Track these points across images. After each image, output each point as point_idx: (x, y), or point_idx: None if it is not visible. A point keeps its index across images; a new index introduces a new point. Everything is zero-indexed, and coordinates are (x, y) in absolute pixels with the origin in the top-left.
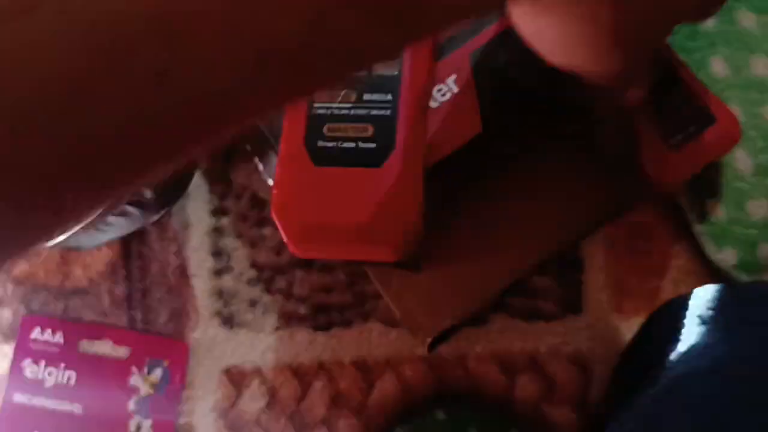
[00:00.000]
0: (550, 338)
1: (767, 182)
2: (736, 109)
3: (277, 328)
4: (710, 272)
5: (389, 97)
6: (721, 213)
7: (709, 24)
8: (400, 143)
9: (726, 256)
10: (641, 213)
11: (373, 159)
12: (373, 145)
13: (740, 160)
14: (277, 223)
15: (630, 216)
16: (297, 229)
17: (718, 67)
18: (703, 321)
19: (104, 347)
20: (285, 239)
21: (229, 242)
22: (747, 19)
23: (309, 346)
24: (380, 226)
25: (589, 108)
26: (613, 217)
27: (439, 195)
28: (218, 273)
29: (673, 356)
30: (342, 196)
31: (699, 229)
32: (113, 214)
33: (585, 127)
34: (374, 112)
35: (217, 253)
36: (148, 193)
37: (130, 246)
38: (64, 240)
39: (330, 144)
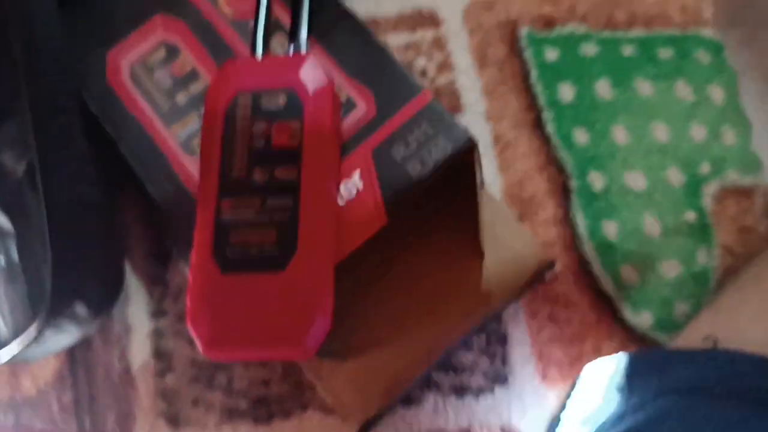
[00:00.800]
0: (481, 412)
1: (677, 243)
2: (640, 175)
3: (220, 424)
4: (629, 334)
5: (290, 202)
6: (635, 277)
7: (608, 95)
8: (302, 245)
9: (643, 319)
10: (559, 283)
11: (277, 263)
12: (276, 250)
13: (649, 223)
14: (191, 332)
15: (548, 286)
16: (209, 336)
17: (620, 135)
18: (619, 389)
19: None
20: (199, 346)
21: (170, 343)
22: (645, 87)
23: None
24: (286, 328)
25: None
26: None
27: (352, 287)
28: (161, 374)
29: (593, 425)
30: (250, 301)
31: (615, 294)
32: (50, 330)
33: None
34: (276, 217)
35: (158, 354)
36: (80, 308)
37: (74, 353)
38: (11, 358)
39: (237, 251)
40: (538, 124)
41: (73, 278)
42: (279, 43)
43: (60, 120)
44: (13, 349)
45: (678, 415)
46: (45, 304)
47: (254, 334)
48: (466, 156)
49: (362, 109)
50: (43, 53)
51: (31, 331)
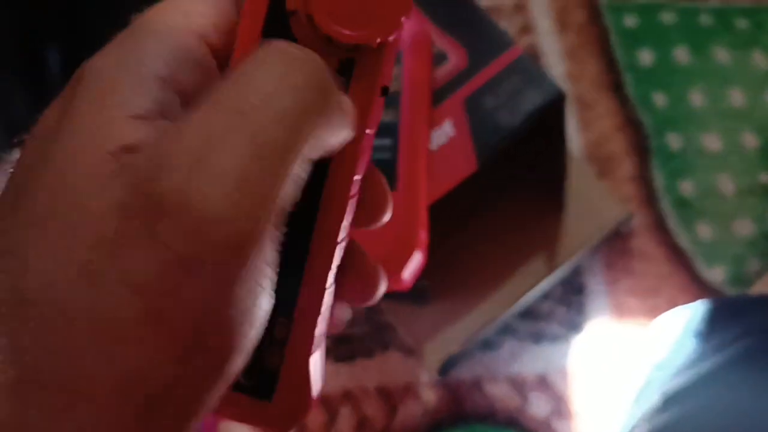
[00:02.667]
0: (557, 358)
1: (749, 202)
2: (715, 137)
3: None
4: (703, 288)
5: (389, 142)
6: (709, 234)
7: (686, 60)
8: (401, 183)
9: (716, 274)
10: (635, 237)
11: None
12: None
13: (723, 183)
14: None
15: (625, 240)
16: None
17: (697, 99)
18: (697, 334)
19: None
20: None
21: None
22: (722, 55)
23: (334, 376)
24: (387, 260)
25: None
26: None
27: (440, 231)
28: None
29: (669, 369)
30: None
31: (690, 249)
32: None
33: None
34: (376, 156)
35: None
36: None
37: None
38: None
39: None
40: (616, 87)
41: None
42: None
43: None
44: None
45: (760, 355)
46: None
47: None
48: (555, 110)
49: (454, 61)
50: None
51: None
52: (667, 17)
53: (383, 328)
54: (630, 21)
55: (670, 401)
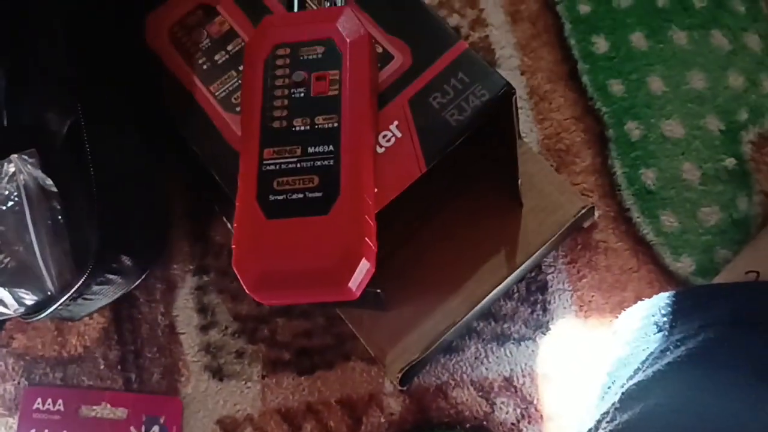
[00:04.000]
0: (523, 359)
1: (716, 189)
2: (677, 123)
3: (264, 376)
4: (670, 280)
5: (331, 147)
6: (675, 224)
7: (643, 46)
8: (344, 190)
9: (684, 264)
10: (598, 231)
11: (320, 208)
12: (319, 195)
13: (687, 170)
14: (237, 275)
15: (587, 234)
16: (255, 278)
17: (656, 85)
18: (660, 327)
19: (103, 410)
20: (246, 290)
21: (213, 298)
22: (680, 37)
23: (295, 389)
24: (331, 269)
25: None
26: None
27: (393, 236)
28: (204, 328)
29: (632, 366)
30: (295, 245)
31: (655, 240)
32: (96, 284)
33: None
34: (318, 163)
35: (201, 309)
36: (126, 260)
37: (120, 311)
38: (57, 312)
39: (280, 197)
40: (573, 77)
41: (120, 232)
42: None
43: (102, 82)
44: (63, 299)
45: (722, 346)
46: (92, 257)
47: (300, 276)
48: (503, 105)
49: (398, 60)
50: (86, 21)
51: (80, 283)
52: (622, 1)
53: (344, 339)
54: (584, 8)
55: (628, 399)
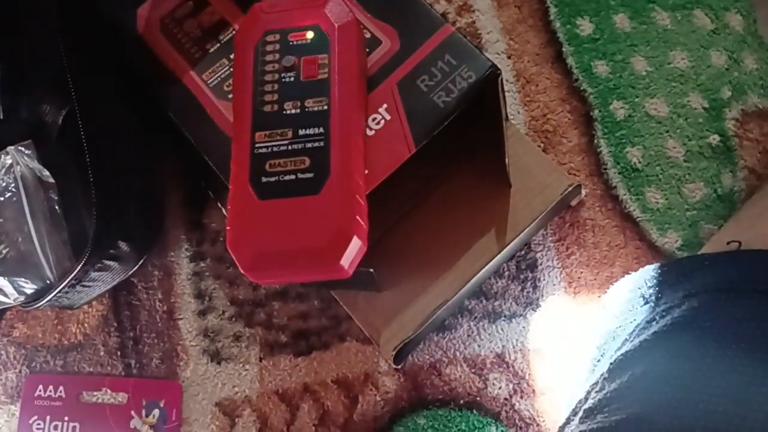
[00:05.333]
0: (514, 336)
1: (701, 166)
2: (661, 102)
3: (261, 359)
4: (657, 256)
5: (321, 130)
6: (661, 200)
7: (627, 27)
8: (335, 170)
9: (670, 240)
10: (585, 209)
11: (312, 188)
12: (311, 175)
13: (672, 148)
14: (232, 256)
15: (575, 212)
16: (251, 260)
17: (640, 65)
18: (646, 299)
19: (104, 396)
20: (241, 270)
21: (209, 283)
22: (662, 18)
23: (292, 371)
24: (324, 248)
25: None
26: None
27: (384, 216)
28: (202, 313)
29: (620, 338)
30: (288, 225)
31: (642, 217)
32: (94, 270)
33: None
34: (309, 144)
35: (199, 295)
36: (123, 245)
37: (118, 298)
38: (56, 300)
39: (272, 179)
40: (558, 59)
41: (117, 218)
42: None
43: (96, 74)
44: (62, 285)
45: (705, 314)
46: (89, 243)
47: (293, 255)
48: (490, 86)
49: (386, 45)
50: (77, 15)
51: (78, 269)
52: None
53: (339, 320)
54: None
55: (616, 369)
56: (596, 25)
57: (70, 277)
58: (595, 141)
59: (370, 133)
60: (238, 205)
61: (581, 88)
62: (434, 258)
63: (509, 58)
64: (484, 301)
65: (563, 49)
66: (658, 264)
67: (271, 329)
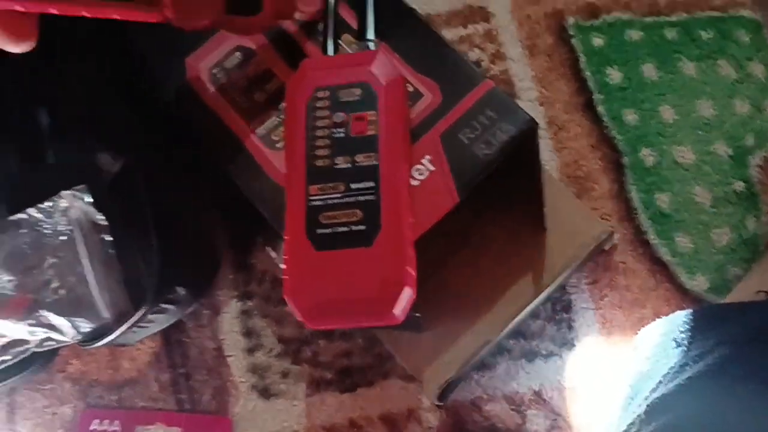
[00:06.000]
0: (551, 374)
1: (726, 211)
2: (688, 149)
3: (309, 395)
4: (686, 298)
5: (372, 183)
6: (689, 244)
7: (654, 76)
8: (386, 223)
9: (698, 282)
10: (617, 253)
11: (364, 239)
12: (363, 227)
13: (699, 194)
14: (289, 304)
15: (607, 256)
16: (307, 307)
17: (667, 113)
18: (678, 343)
19: (157, 430)
20: (298, 317)
21: (257, 322)
22: (688, 68)
23: (339, 407)
24: (376, 297)
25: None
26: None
27: (428, 262)
28: (250, 351)
29: (653, 380)
30: (342, 275)
31: (671, 261)
32: (152, 313)
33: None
34: (360, 198)
35: (247, 333)
36: (180, 290)
37: (169, 336)
38: (112, 339)
39: (327, 231)
40: (588, 107)
41: (175, 265)
42: (345, 42)
43: (152, 127)
44: (122, 329)
45: (737, 361)
46: (150, 290)
47: (348, 304)
48: (528, 139)
49: (428, 98)
50: (133, 68)
51: (138, 314)
52: (633, 34)
53: (383, 359)
54: (597, 41)
55: (653, 411)
56: (625, 75)
57: (130, 321)
58: (626, 187)
59: (414, 183)
60: (294, 256)
61: (611, 135)
62: (473, 300)
63: (541, 105)
64: (522, 341)
65: (593, 98)
66: (690, 310)
67: (318, 366)
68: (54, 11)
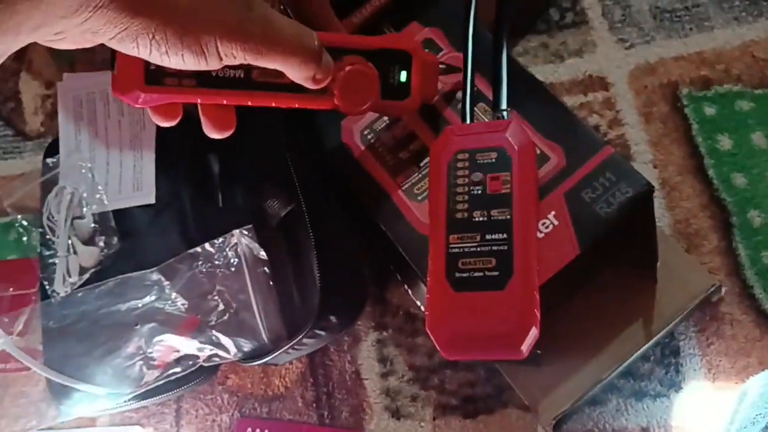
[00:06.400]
0: (658, 414)
1: None
2: None
3: (435, 418)
4: None
5: (504, 236)
6: None
7: (763, 144)
8: (517, 270)
9: None
10: (725, 304)
11: (497, 284)
12: (496, 273)
13: None
14: (430, 336)
15: (715, 307)
16: (445, 340)
17: None
18: None
19: None
20: (438, 348)
21: (391, 350)
22: None
23: (461, 431)
24: (506, 335)
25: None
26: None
27: (549, 305)
28: (384, 375)
29: (761, 421)
30: (477, 314)
31: None
32: (306, 338)
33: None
34: (495, 248)
35: (382, 359)
36: (333, 319)
37: (314, 358)
38: (268, 359)
39: (464, 275)
40: (700, 170)
41: (332, 296)
42: (480, 109)
43: (315, 176)
44: (279, 351)
45: None
46: (311, 317)
47: (480, 340)
48: (643, 199)
49: (554, 160)
50: (297, 124)
51: (295, 338)
52: (744, 105)
53: (502, 389)
54: (709, 110)
55: None
56: (735, 141)
57: (287, 345)
58: (734, 244)
59: (540, 235)
60: (435, 295)
61: (721, 197)
62: (587, 340)
63: (655, 167)
64: (632, 381)
65: (704, 162)
66: None
67: (443, 393)
68: (250, 103)
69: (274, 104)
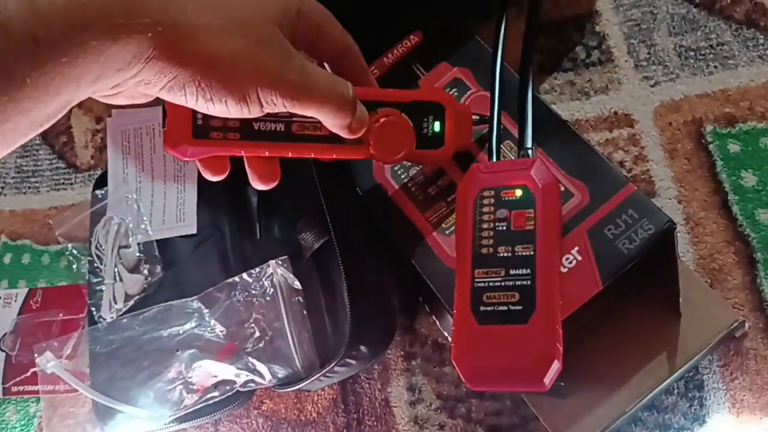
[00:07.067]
0: None
1: None
2: None
3: None
4: None
5: (528, 271)
6: None
7: None
8: (540, 305)
9: None
10: (748, 340)
11: (521, 318)
12: (520, 308)
13: None
14: (456, 367)
15: (739, 342)
16: (470, 372)
17: None
18: None
19: None
20: (463, 379)
21: (419, 379)
22: None
23: None
24: (530, 368)
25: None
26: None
27: (572, 338)
28: (413, 404)
29: None
30: (501, 347)
31: None
32: (338, 366)
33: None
34: (519, 282)
35: (410, 388)
36: (364, 349)
37: (345, 385)
38: (302, 386)
39: (489, 308)
40: (724, 206)
41: (364, 327)
42: (506, 147)
43: (347, 211)
44: (312, 378)
45: None
46: (342, 347)
47: (504, 372)
48: (666, 236)
49: (578, 197)
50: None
51: (327, 366)
52: None
53: (527, 419)
54: (733, 147)
55: None
56: (759, 178)
57: (320, 373)
58: (758, 280)
59: (563, 270)
60: (460, 327)
61: (745, 233)
62: (611, 373)
63: (680, 203)
64: (656, 414)
65: (728, 198)
66: None
67: (470, 422)
68: (291, 155)
69: (313, 155)
